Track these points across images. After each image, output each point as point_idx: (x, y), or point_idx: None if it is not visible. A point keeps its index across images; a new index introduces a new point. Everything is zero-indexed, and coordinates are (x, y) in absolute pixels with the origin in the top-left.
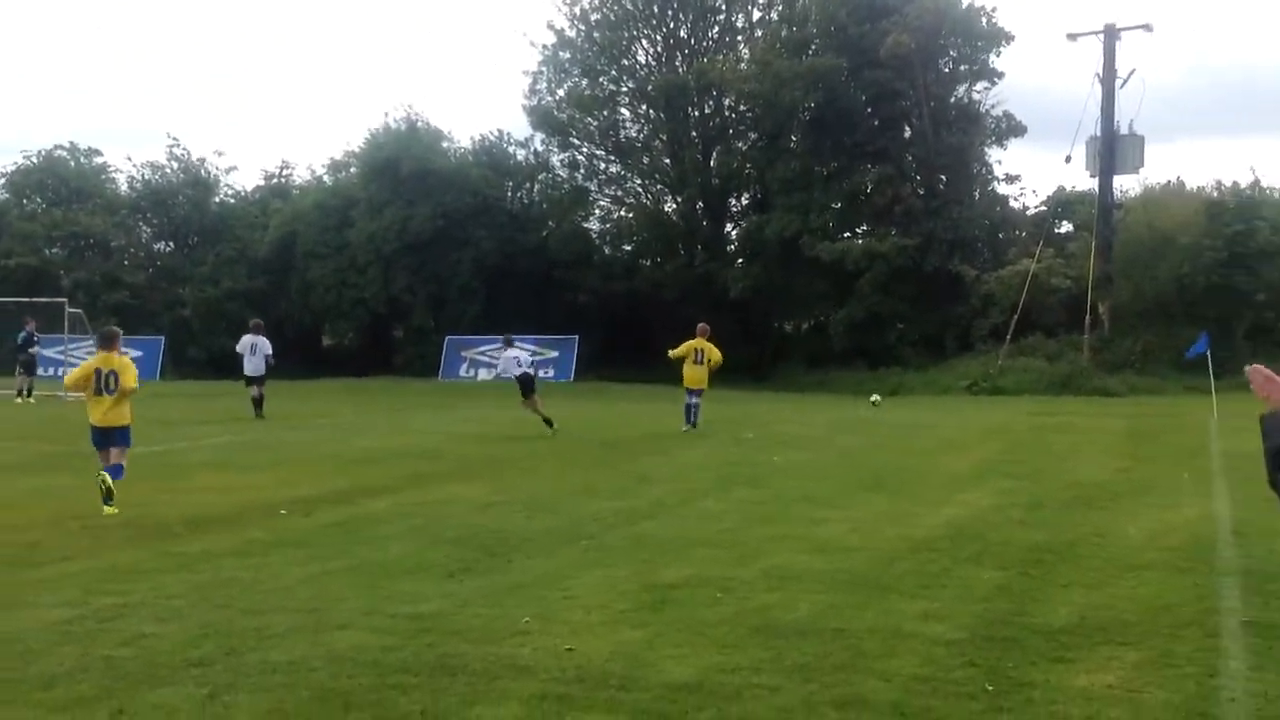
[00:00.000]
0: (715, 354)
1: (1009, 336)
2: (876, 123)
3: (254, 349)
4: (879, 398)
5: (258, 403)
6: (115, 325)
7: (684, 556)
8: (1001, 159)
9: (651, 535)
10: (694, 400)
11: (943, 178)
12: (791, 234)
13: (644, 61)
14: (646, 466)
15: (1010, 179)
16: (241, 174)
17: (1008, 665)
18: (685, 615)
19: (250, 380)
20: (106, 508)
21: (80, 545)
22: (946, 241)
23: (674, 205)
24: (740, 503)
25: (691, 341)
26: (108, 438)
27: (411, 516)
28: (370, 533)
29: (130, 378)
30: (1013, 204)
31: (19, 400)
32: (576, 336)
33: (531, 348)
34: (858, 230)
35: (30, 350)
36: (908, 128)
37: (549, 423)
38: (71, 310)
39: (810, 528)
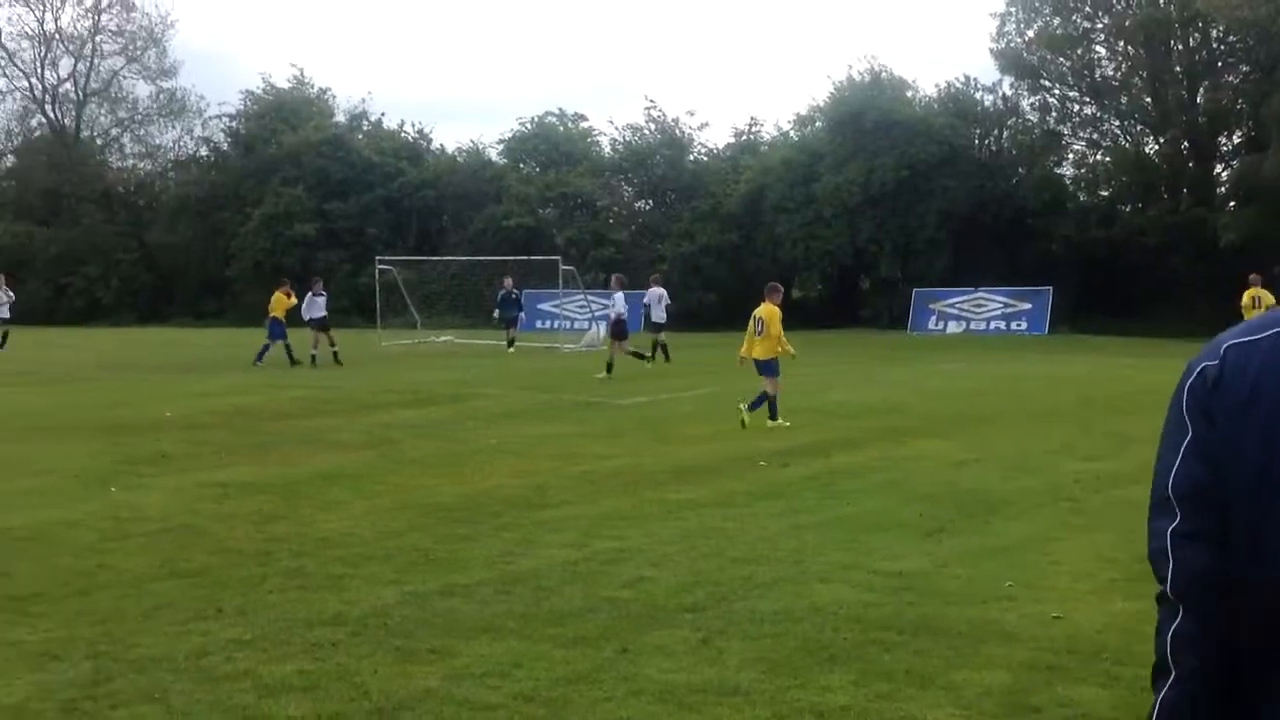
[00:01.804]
0: (1269, 298)
1: None
2: None
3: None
4: None
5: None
6: (776, 283)
7: None
8: None
9: (1142, 501)
10: None
11: None
12: None
13: None
14: (1130, 426)
15: None
16: (712, 131)
17: None
18: None
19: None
20: (764, 421)
21: (581, 491)
22: None
23: (1155, 146)
24: None
25: (1250, 290)
26: (757, 368)
27: (884, 471)
28: (845, 486)
29: (774, 328)
30: None
31: (510, 350)
32: (1050, 288)
33: (1003, 299)
34: None
35: (508, 307)
36: None
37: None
38: (565, 267)
39: None
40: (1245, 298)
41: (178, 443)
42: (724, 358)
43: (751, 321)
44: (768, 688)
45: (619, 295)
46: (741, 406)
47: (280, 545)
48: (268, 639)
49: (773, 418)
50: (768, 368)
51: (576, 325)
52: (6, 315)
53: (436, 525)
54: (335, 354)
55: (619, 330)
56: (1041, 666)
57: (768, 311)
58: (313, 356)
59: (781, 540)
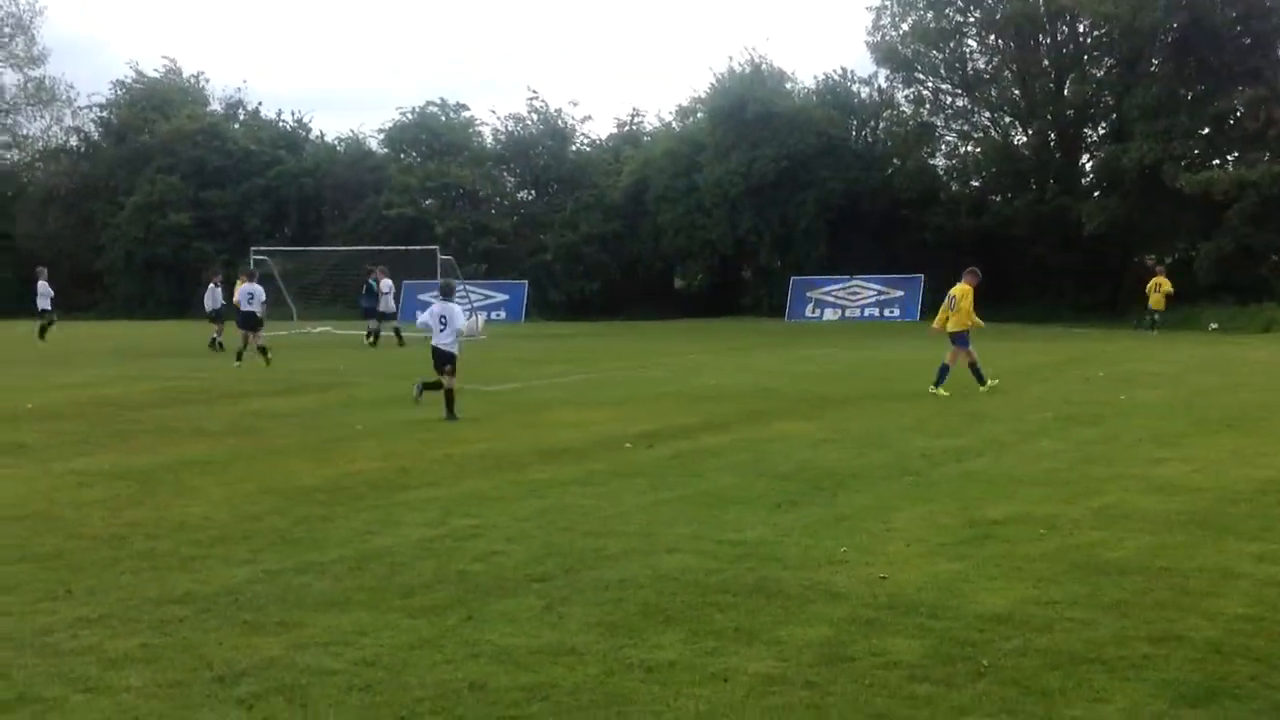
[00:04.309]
0: (1166, 285)
1: None
2: (1247, 41)
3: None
4: (1216, 325)
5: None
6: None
7: (1011, 494)
8: None
9: (980, 473)
10: (1156, 317)
11: None
12: (1151, 163)
13: None
14: (983, 406)
15: None
16: (596, 123)
17: None
18: (1005, 550)
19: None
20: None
21: (444, 473)
22: None
23: (1024, 138)
24: (1078, 442)
25: (1153, 279)
26: (951, 339)
27: (745, 451)
28: (705, 465)
29: (964, 303)
30: None
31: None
32: (921, 276)
33: (877, 287)
34: (1227, 158)
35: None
36: None
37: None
38: (443, 257)
39: (1150, 468)
40: (1150, 284)
41: (37, 433)
42: (599, 346)
43: (946, 298)
44: (602, 647)
45: (247, 286)
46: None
47: (135, 530)
48: (115, 616)
49: (937, 384)
50: (959, 339)
51: None
52: (47, 306)
53: (296, 508)
54: (215, 341)
55: (249, 321)
56: (861, 621)
57: (961, 289)
58: (217, 343)
59: (636, 515)
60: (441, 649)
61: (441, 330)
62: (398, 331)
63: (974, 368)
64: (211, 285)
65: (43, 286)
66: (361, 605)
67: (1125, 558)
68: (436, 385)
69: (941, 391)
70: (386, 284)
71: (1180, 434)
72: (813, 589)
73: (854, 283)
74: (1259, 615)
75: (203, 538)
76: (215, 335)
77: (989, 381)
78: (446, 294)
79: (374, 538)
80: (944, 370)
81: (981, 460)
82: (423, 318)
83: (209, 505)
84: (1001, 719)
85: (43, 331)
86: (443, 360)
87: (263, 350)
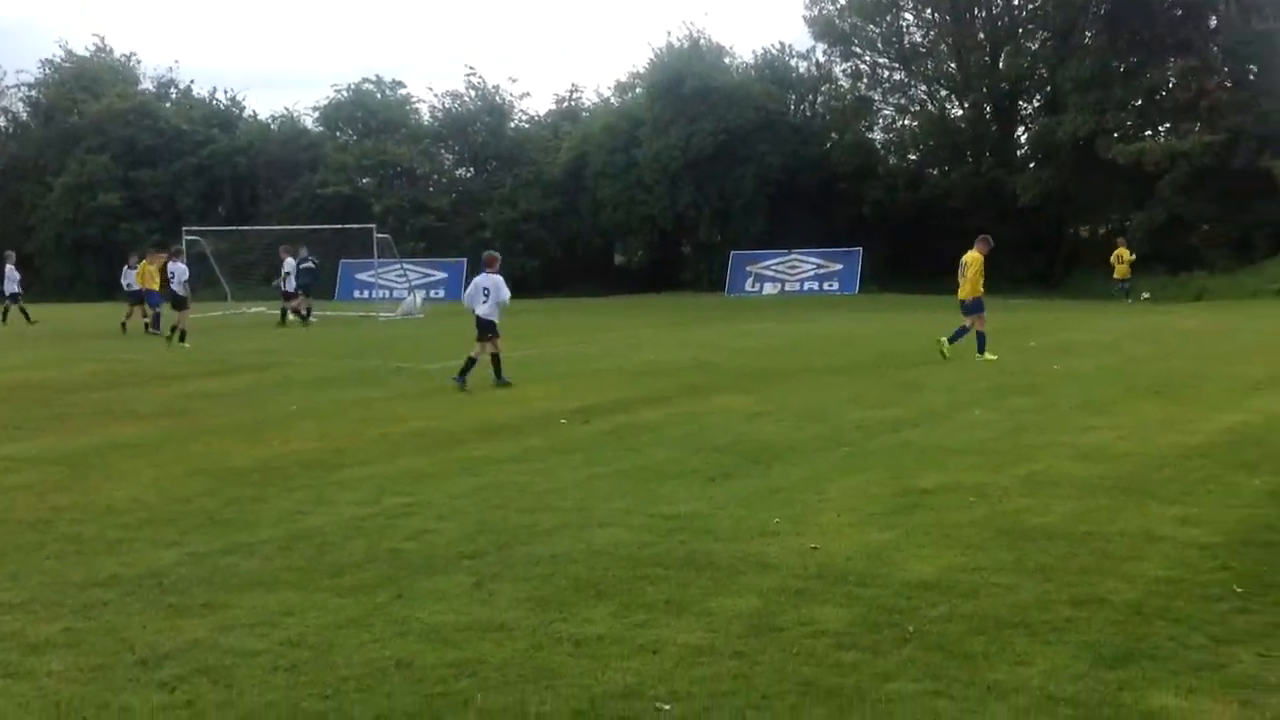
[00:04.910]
0: (1127, 255)
1: None
2: (1179, 12)
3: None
4: (1149, 295)
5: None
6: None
7: (943, 463)
8: None
9: (914, 443)
10: (1126, 286)
11: (1252, 68)
12: (1085, 135)
13: None
14: (920, 376)
15: None
16: (534, 100)
17: (1263, 569)
18: (934, 518)
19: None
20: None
21: (379, 451)
22: (1256, 137)
23: (960, 111)
24: (1011, 411)
25: (1115, 251)
26: (961, 307)
27: (682, 425)
28: (641, 440)
29: (970, 270)
30: None
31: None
32: (860, 249)
33: (815, 260)
34: (1159, 129)
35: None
36: (1213, 16)
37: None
38: (380, 235)
39: (1079, 435)
40: (1114, 256)
41: None
42: (539, 323)
43: (959, 266)
44: (532, 622)
45: (170, 265)
46: (942, 340)
47: (61, 514)
48: (38, 601)
49: (980, 351)
50: (970, 306)
51: (395, 294)
52: (15, 290)
53: (226, 489)
54: (146, 325)
55: (172, 300)
56: (790, 591)
57: (970, 257)
58: (123, 325)
59: (571, 491)
60: (369, 628)
61: (485, 301)
62: (284, 312)
63: (962, 331)
64: (126, 266)
65: (10, 270)
66: (289, 585)
67: (1050, 523)
68: (469, 366)
69: (990, 356)
70: (289, 263)
71: (1110, 401)
72: (744, 560)
73: (792, 257)
74: (1178, 577)
75: (130, 520)
76: (143, 318)
77: (945, 353)
78: (488, 266)
79: (305, 518)
80: (979, 338)
81: (916, 431)
82: (468, 291)
83: (138, 488)
84: (926, 684)
85: (8, 315)
86: (484, 329)
87: (170, 331)
